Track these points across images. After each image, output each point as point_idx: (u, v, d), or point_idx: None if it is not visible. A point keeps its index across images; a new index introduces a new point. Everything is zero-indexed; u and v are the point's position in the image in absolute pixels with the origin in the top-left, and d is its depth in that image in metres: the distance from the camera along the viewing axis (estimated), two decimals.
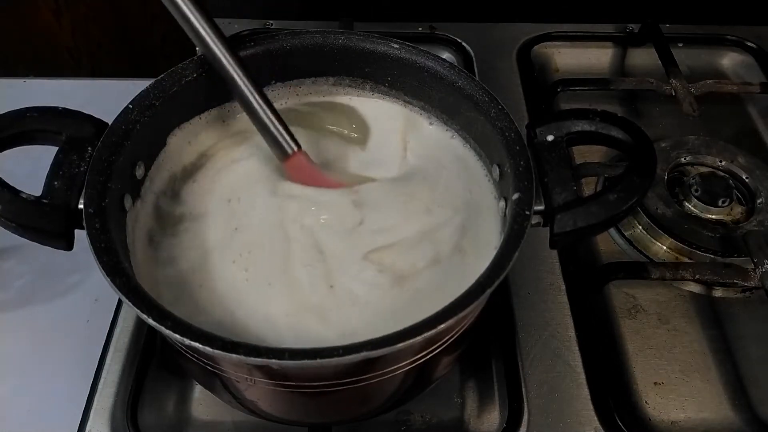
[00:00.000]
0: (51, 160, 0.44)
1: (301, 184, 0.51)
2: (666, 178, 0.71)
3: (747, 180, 0.71)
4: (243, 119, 0.55)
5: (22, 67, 1.00)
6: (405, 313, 0.42)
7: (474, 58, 0.84)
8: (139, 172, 0.49)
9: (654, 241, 0.67)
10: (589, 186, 0.72)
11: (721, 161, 0.73)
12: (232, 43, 0.48)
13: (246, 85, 0.48)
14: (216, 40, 0.47)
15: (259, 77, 0.54)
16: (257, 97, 0.49)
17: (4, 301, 0.63)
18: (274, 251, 0.48)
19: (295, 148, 0.50)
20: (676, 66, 0.80)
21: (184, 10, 0.46)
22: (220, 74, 0.48)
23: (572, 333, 0.59)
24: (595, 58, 0.88)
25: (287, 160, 0.50)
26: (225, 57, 0.47)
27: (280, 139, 0.49)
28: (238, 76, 0.48)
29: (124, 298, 0.38)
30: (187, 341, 0.36)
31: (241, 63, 0.48)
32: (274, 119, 0.49)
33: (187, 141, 0.53)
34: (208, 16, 0.47)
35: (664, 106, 0.81)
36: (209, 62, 0.48)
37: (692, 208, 0.69)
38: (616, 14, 0.89)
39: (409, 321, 0.37)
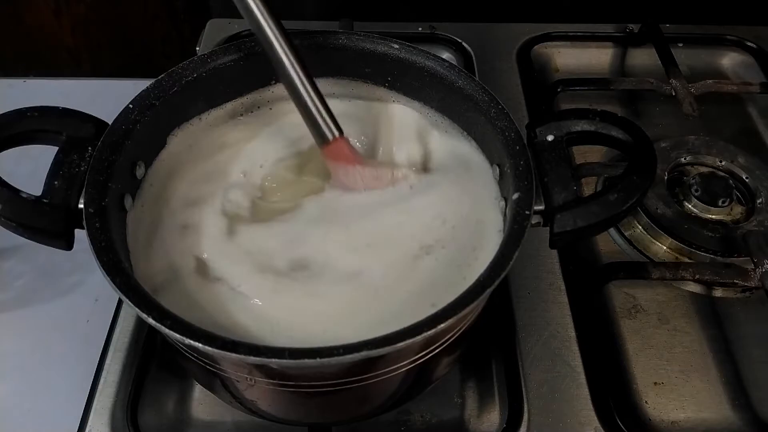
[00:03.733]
0: (51, 160, 0.44)
1: (342, 173, 0.49)
2: (666, 178, 0.71)
3: (747, 180, 0.71)
4: (244, 119, 0.55)
5: (22, 67, 1.00)
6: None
7: (474, 58, 0.84)
8: (140, 171, 0.49)
9: (654, 241, 0.67)
10: (589, 186, 0.72)
11: (721, 161, 0.73)
12: (281, 22, 0.48)
13: (292, 62, 0.47)
14: (267, 16, 0.47)
15: (260, 77, 0.55)
16: (303, 77, 0.47)
17: (4, 301, 0.63)
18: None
19: (337, 134, 0.48)
20: (676, 66, 0.80)
21: None
22: (266, 51, 0.47)
23: (572, 333, 0.59)
24: (595, 58, 0.88)
25: (327, 146, 0.48)
26: (273, 33, 0.47)
27: (322, 123, 0.48)
28: (284, 52, 0.47)
29: (124, 298, 0.38)
30: (187, 341, 0.36)
31: (290, 41, 0.47)
32: (317, 101, 0.47)
33: (188, 141, 0.53)
34: None
35: (664, 106, 0.81)
36: (255, 36, 0.48)
37: (692, 208, 0.69)
38: (616, 14, 0.90)
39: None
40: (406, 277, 0.46)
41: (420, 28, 0.87)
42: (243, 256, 0.47)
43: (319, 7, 0.92)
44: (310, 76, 0.48)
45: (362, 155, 0.51)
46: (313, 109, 0.48)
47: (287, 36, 0.47)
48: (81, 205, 0.43)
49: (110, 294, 0.38)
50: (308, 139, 0.50)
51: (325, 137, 0.48)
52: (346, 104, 0.56)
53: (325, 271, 0.46)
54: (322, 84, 0.56)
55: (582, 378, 0.56)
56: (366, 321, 0.43)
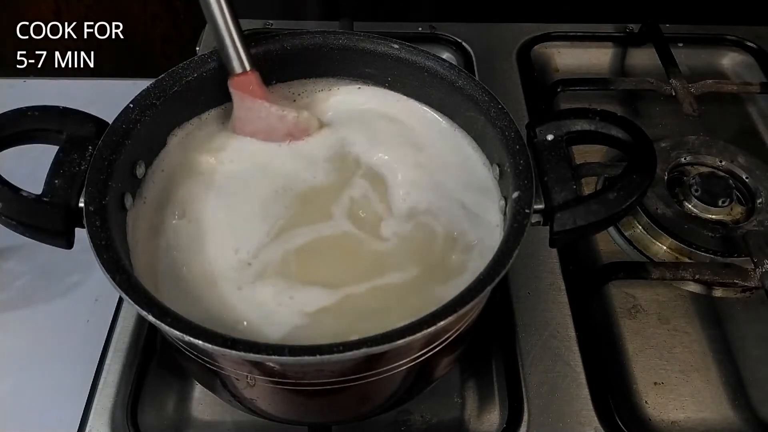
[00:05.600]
0: (51, 160, 0.44)
1: (246, 105, 0.50)
2: (666, 178, 0.71)
3: (747, 180, 0.71)
4: None
5: (22, 67, 1.00)
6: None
7: (474, 58, 0.84)
8: (140, 171, 0.49)
9: (654, 241, 0.67)
10: (589, 186, 0.72)
11: (721, 161, 0.73)
12: None
13: None
14: None
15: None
16: (224, 5, 0.47)
17: (4, 301, 0.63)
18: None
19: (249, 68, 0.49)
20: (676, 66, 0.80)
21: None
22: None
23: (572, 333, 0.59)
24: (595, 58, 0.88)
25: (237, 77, 0.49)
26: None
27: (233, 54, 0.48)
28: None
29: (124, 295, 0.38)
30: (187, 338, 0.36)
31: None
32: (235, 33, 0.48)
33: (188, 140, 0.53)
34: None
35: (664, 106, 0.81)
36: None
37: (692, 208, 0.69)
38: (616, 14, 0.90)
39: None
40: None
41: (420, 28, 0.87)
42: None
43: (319, 7, 0.92)
44: (232, 6, 0.48)
45: (272, 96, 0.51)
46: (227, 39, 0.48)
47: None
48: (81, 204, 0.43)
49: (110, 294, 0.38)
50: None
51: (233, 69, 0.49)
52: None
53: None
54: (322, 83, 0.56)
55: (582, 378, 0.56)
56: None
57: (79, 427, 0.53)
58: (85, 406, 0.54)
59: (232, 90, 0.50)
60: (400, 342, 0.36)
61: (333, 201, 0.50)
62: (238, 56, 0.49)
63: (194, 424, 0.56)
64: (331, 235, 0.49)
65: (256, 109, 0.50)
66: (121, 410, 0.53)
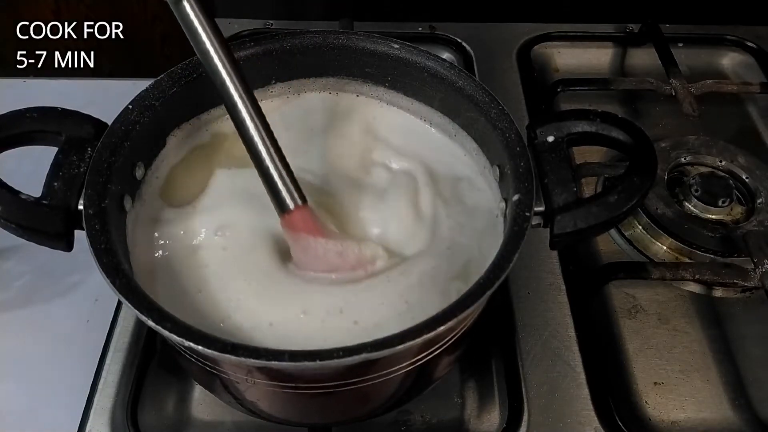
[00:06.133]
0: (51, 161, 0.44)
1: (302, 245, 0.45)
2: (666, 178, 0.71)
3: (747, 180, 0.71)
4: None
5: (22, 67, 1.00)
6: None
7: (474, 58, 0.84)
8: (139, 172, 0.48)
9: (654, 241, 0.67)
10: (589, 186, 0.72)
11: (721, 161, 0.73)
12: (245, 76, 0.45)
13: (255, 124, 0.43)
14: (229, 67, 0.43)
15: (260, 77, 0.55)
16: (265, 138, 0.43)
17: (4, 301, 0.63)
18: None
19: (300, 202, 0.44)
20: (676, 66, 0.80)
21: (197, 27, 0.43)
22: (227, 108, 0.44)
23: (572, 333, 0.59)
24: (595, 58, 0.88)
25: (288, 215, 0.44)
26: (237, 90, 0.44)
27: (283, 189, 0.43)
28: (247, 109, 0.43)
29: (123, 300, 0.38)
30: (187, 343, 0.36)
31: (249, 92, 0.44)
32: (279, 164, 0.43)
33: (187, 141, 0.53)
34: (221, 37, 0.44)
35: (664, 106, 0.81)
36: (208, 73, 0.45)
37: (692, 208, 0.69)
38: (616, 14, 0.89)
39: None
40: None
41: (420, 28, 0.87)
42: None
43: (319, 7, 0.92)
44: (273, 137, 0.44)
45: (328, 229, 0.46)
46: (275, 173, 0.43)
47: (249, 90, 0.44)
48: (81, 207, 0.43)
49: (110, 294, 0.38)
50: None
51: (285, 205, 0.44)
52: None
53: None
54: (322, 83, 0.56)
55: (582, 378, 0.56)
56: None
57: (79, 427, 0.53)
58: (85, 406, 0.54)
59: (285, 231, 0.45)
60: (400, 347, 0.36)
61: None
62: (288, 191, 0.43)
63: (194, 424, 0.56)
64: None
65: (313, 247, 0.45)
66: (121, 410, 0.53)
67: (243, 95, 0.44)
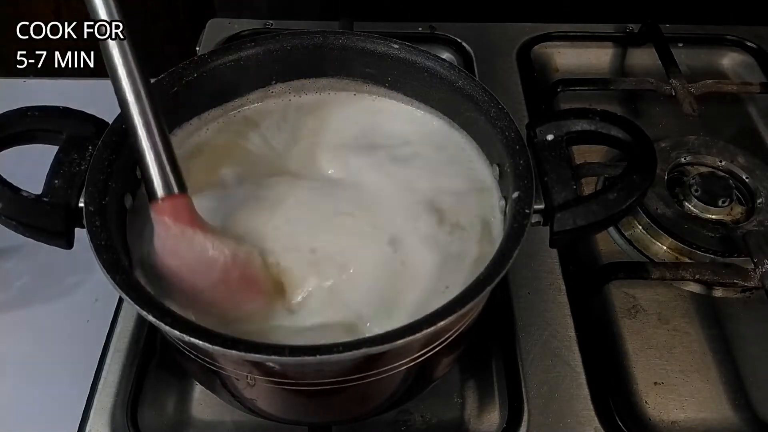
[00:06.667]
0: (51, 160, 0.44)
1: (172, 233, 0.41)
2: (666, 178, 0.71)
3: (747, 180, 0.71)
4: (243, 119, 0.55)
5: (22, 67, 1.00)
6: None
7: (474, 58, 0.84)
8: (140, 171, 0.48)
9: (654, 241, 0.67)
10: (589, 186, 0.72)
11: (721, 161, 0.73)
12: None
13: (135, 94, 0.40)
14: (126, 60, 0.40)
15: (260, 77, 0.55)
16: (149, 112, 0.40)
17: (4, 301, 0.63)
18: None
19: (176, 190, 0.41)
20: (676, 66, 0.80)
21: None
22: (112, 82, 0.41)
23: (572, 333, 0.59)
24: (595, 58, 0.88)
25: (163, 202, 0.41)
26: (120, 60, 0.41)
27: (158, 174, 0.41)
28: (128, 80, 0.40)
29: (124, 295, 0.38)
30: (187, 338, 0.36)
31: (139, 67, 0.41)
32: (161, 146, 0.40)
33: (187, 141, 0.53)
34: None
35: (664, 106, 0.81)
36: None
37: (692, 208, 0.69)
38: (616, 14, 0.90)
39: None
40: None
41: (420, 28, 0.87)
42: None
43: (319, 7, 0.92)
44: (159, 117, 0.41)
45: (206, 224, 0.43)
46: (149, 156, 0.41)
47: (138, 63, 0.41)
48: (81, 204, 0.43)
49: (110, 294, 0.38)
50: None
51: (154, 193, 0.41)
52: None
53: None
54: (322, 83, 0.56)
55: (582, 378, 0.56)
56: None
57: (79, 427, 0.53)
58: (85, 406, 0.54)
59: (154, 217, 0.42)
60: (400, 342, 0.36)
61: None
62: (164, 178, 0.41)
63: (194, 424, 0.56)
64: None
65: (187, 236, 0.41)
66: (121, 410, 0.53)
67: (133, 70, 0.41)
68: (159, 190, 0.41)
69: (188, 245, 0.41)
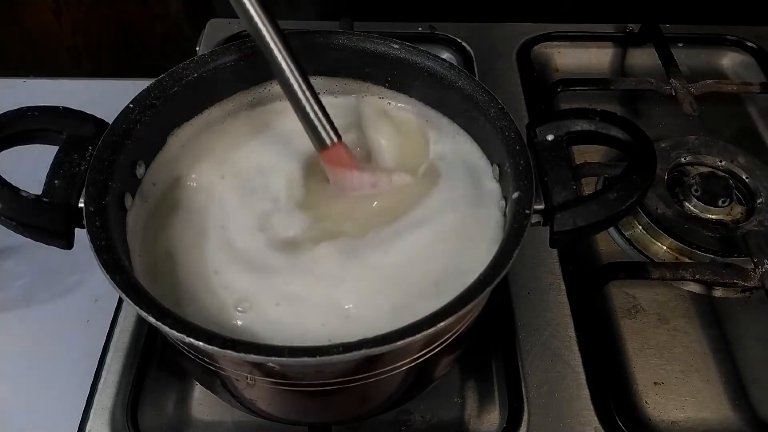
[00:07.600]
0: (51, 160, 0.44)
1: (340, 177, 0.50)
2: (666, 178, 0.71)
3: (747, 180, 0.71)
4: (241, 120, 0.55)
5: (22, 67, 1.00)
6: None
7: (474, 58, 0.84)
8: (140, 171, 0.49)
9: (654, 241, 0.67)
10: (589, 187, 0.72)
11: (721, 161, 0.73)
12: (279, 25, 0.47)
13: (291, 69, 0.47)
14: (265, 20, 0.46)
15: (260, 77, 0.55)
16: (302, 82, 0.47)
17: (4, 301, 0.63)
18: None
19: (335, 139, 0.49)
20: (676, 66, 0.80)
21: None
22: (264, 55, 0.47)
23: (572, 333, 0.59)
24: (595, 58, 0.88)
25: (326, 152, 0.49)
26: (272, 37, 0.46)
27: (320, 128, 0.48)
28: (283, 57, 0.47)
29: (124, 296, 0.38)
30: (187, 339, 0.36)
31: (288, 45, 0.47)
32: (316, 107, 0.48)
33: (188, 141, 0.53)
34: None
35: (664, 106, 0.81)
36: (254, 41, 0.47)
37: (692, 208, 0.69)
38: (616, 14, 0.90)
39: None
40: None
41: (420, 28, 0.87)
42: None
43: (319, 7, 0.92)
44: (308, 81, 0.48)
45: (359, 161, 0.51)
46: (312, 115, 0.48)
47: (285, 40, 0.47)
48: (81, 204, 0.43)
49: (110, 294, 0.38)
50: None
51: (323, 142, 0.49)
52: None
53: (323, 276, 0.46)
54: (322, 83, 0.56)
55: (582, 378, 0.56)
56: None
57: (79, 427, 0.53)
58: (85, 406, 0.54)
59: (324, 164, 0.50)
60: (400, 343, 0.36)
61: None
62: (325, 130, 0.48)
63: (194, 424, 0.56)
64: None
65: (349, 178, 0.50)
66: (121, 410, 0.53)
67: (279, 44, 0.47)
68: (326, 139, 0.49)
69: (356, 183, 0.51)
